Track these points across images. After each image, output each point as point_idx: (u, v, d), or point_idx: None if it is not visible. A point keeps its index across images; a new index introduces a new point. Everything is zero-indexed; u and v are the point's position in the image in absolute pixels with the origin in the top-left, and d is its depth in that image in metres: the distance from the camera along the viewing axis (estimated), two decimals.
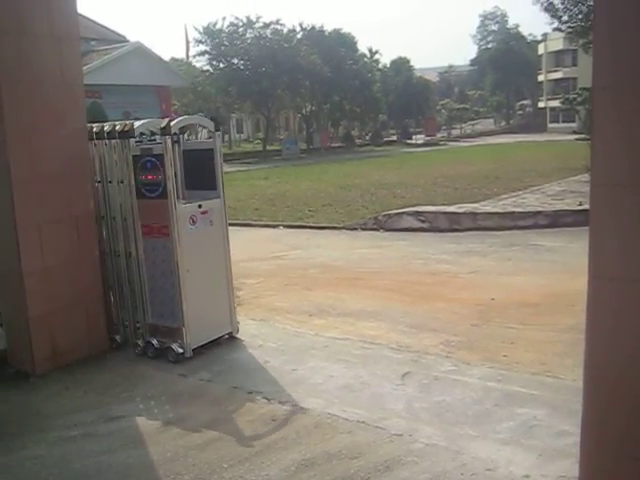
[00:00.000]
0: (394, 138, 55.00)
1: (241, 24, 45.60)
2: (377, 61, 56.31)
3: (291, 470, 3.87)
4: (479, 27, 78.12)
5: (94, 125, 5.94)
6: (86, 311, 5.86)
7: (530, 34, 71.09)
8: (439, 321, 6.48)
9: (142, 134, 5.87)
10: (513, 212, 12.42)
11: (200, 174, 6.02)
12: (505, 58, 66.22)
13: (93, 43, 28.37)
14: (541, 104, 64.70)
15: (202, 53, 45.71)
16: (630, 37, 2.72)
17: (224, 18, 45.57)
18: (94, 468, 4.04)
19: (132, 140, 5.68)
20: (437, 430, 4.23)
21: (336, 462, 3.93)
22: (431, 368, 5.28)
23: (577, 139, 32.84)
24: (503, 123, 69.19)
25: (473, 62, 77.54)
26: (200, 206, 5.80)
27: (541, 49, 64.32)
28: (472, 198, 14.48)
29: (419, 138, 52.84)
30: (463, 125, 61.39)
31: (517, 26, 74.52)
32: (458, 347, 5.74)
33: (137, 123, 5.75)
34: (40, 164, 5.45)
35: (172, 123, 5.51)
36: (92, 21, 30.52)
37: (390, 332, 6.22)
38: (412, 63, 59.54)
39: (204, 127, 6.19)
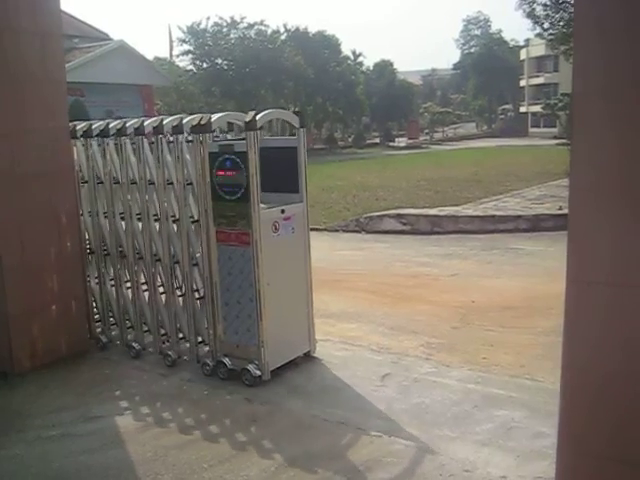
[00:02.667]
0: (377, 140, 55.04)
1: (225, 24, 45.46)
2: (361, 63, 56.40)
3: (271, 470, 3.88)
4: (462, 31, 78.52)
5: (146, 118, 5.53)
6: (67, 310, 5.83)
7: (512, 39, 71.54)
8: (419, 323, 6.52)
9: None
10: (494, 216, 12.52)
11: (280, 175, 5.33)
12: (488, 63, 66.54)
13: (76, 40, 28.16)
14: (523, 109, 65.12)
15: (186, 53, 45.51)
16: (609, 44, 2.76)
17: (208, 18, 45.44)
18: (73, 468, 4.02)
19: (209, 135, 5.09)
20: (416, 431, 4.26)
21: (316, 463, 3.95)
22: (411, 370, 5.31)
23: (558, 144, 33.13)
24: (485, 127, 69.52)
25: (456, 66, 77.85)
26: (283, 211, 5.17)
27: (523, 54, 64.76)
28: (453, 201, 14.56)
29: (401, 141, 52.97)
30: (445, 129, 61.60)
31: (500, 31, 75.10)
32: (438, 349, 5.78)
33: (214, 117, 5.19)
34: (21, 161, 5.41)
35: (258, 117, 4.89)
36: (75, 18, 30.29)
37: (371, 334, 6.25)
38: (395, 66, 59.70)
39: (288, 122, 5.42)
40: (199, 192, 5.15)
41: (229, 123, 5.73)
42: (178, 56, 46.33)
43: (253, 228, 4.89)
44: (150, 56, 41.15)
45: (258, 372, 5.04)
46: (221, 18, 45.43)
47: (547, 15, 21.27)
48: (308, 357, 5.62)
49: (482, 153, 34.83)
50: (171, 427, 4.52)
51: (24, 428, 4.56)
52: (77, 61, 26.37)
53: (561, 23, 20.63)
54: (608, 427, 3.00)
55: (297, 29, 49.54)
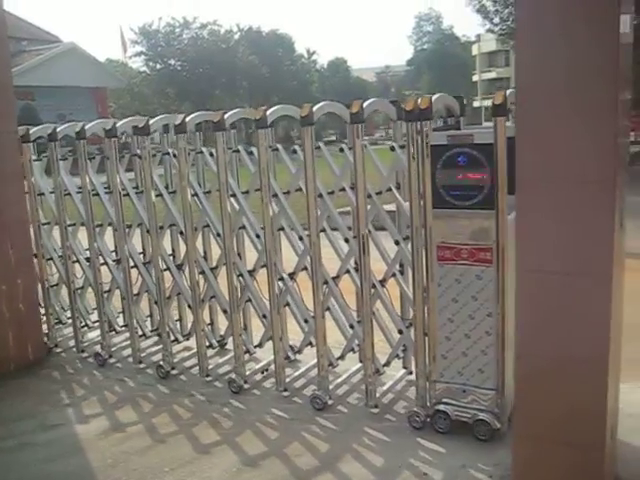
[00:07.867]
0: (333, 138, 55.22)
1: (178, 24, 45.21)
2: (315, 62, 56.68)
3: (232, 471, 3.87)
4: (414, 28, 79.21)
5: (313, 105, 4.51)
6: (20, 319, 5.70)
7: (464, 35, 72.49)
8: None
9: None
10: None
11: None
12: (441, 59, 67.17)
13: (24, 43, 27.71)
14: (476, 103, 66.07)
15: (138, 54, 45.13)
16: (546, 41, 2.85)
17: (160, 18, 45.15)
18: (33, 478, 3.96)
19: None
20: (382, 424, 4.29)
21: (280, 461, 3.95)
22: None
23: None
24: (440, 122, 70.20)
25: (409, 62, 78.44)
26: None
27: (475, 50, 65.74)
28: None
29: None
30: None
31: (451, 27, 76.18)
32: None
33: (434, 97, 4.11)
34: None
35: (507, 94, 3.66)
36: (23, 21, 29.79)
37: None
38: (349, 63, 60.12)
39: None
40: (408, 197, 4.12)
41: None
42: (131, 57, 45.97)
43: (499, 242, 3.75)
44: (102, 58, 40.75)
45: (498, 424, 3.95)
46: (173, 18, 45.21)
47: (496, 10, 21.67)
48: None
49: None
50: (131, 432, 4.47)
51: None
52: (26, 64, 25.95)
53: (510, 18, 21.00)
54: (559, 412, 3.09)
55: (250, 28, 49.49)
